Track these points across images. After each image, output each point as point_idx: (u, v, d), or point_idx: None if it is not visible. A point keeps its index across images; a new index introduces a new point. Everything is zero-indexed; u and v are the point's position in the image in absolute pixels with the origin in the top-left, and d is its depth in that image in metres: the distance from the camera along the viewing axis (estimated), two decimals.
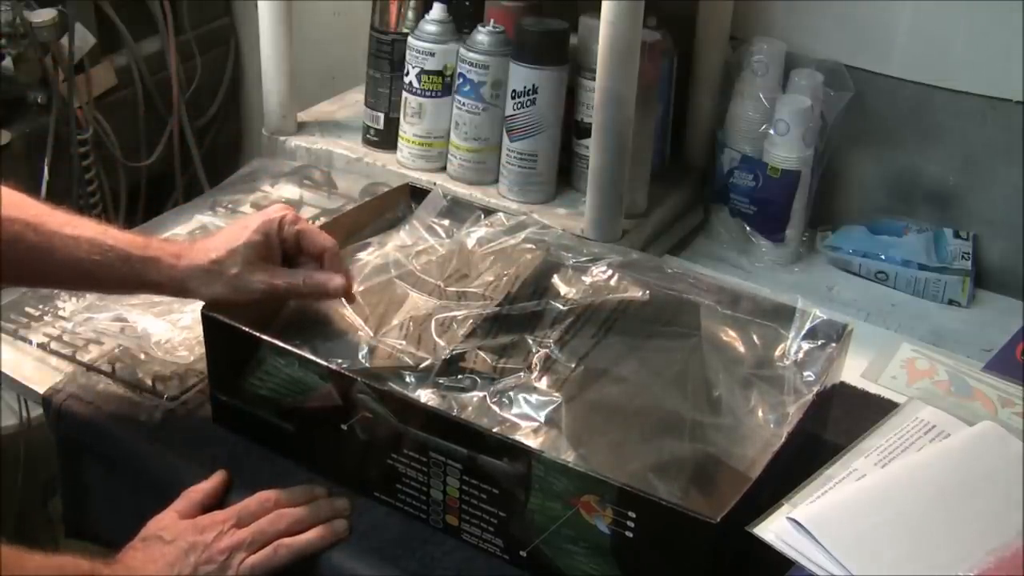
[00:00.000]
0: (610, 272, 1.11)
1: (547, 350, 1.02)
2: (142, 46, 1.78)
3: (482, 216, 1.18)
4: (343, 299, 1.06)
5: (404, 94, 1.43)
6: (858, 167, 1.46)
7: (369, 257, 1.14)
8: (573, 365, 1.01)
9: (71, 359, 1.14)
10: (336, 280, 1.03)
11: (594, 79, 1.25)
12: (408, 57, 1.41)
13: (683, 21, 1.42)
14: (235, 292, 1.01)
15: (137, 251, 1.01)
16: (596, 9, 1.21)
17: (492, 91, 1.37)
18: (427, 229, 1.17)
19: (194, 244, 1.04)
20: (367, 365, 0.99)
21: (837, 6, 1.40)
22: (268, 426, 1.03)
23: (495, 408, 0.95)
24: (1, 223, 0.97)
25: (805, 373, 0.99)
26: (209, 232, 1.34)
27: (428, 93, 1.41)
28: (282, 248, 1.04)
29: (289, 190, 1.46)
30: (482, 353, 1.01)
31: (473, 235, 1.15)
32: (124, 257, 1.00)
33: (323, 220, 1.35)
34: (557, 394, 0.96)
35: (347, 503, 0.98)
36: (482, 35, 1.36)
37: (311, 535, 0.94)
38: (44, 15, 1.54)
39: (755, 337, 1.05)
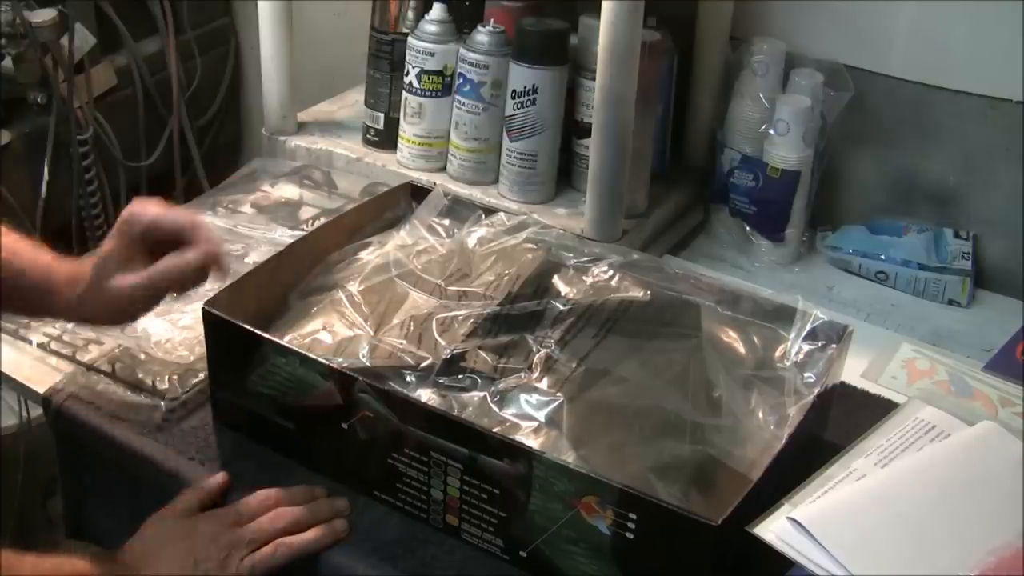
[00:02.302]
0: (611, 272, 1.11)
1: (548, 350, 1.02)
2: (142, 46, 1.78)
3: (483, 216, 1.18)
4: (343, 299, 1.06)
5: (404, 94, 1.43)
6: (858, 167, 1.46)
7: (369, 256, 1.14)
8: (574, 365, 1.01)
9: (71, 359, 1.14)
10: (189, 255, 0.95)
11: (594, 79, 1.25)
12: (408, 57, 1.41)
13: (683, 21, 1.42)
14: (108, 308, 0.97)
15: (42, 281, 0.98)
16: (596, 9, 1.21)
17: (492, 91, 1.37)
18: (428, 229, 1.17)
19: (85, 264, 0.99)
20: (368, 364, 0.99)
21: (837, 6, 1.40)
22: (268, 424, 1.03)
23: (495, 408, 0.95)
24: None
25: (805, 374, 0.99)
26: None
27: (428, 93, 1.41)
28: (153, 243, 0.98)
29: (289, 190, 1.46)
30: (483, 353, 1.01)
31: (474, 235, 1.15)
32: (32, 286, 0.98)
33: (323, 220, 1.35)
34: (558, 394, 0.96)
35: (346, 503, 0.98)
36: (482, 35, 1.36)
37: (311, 535, 0.94)
38: (44, 15, 1.54)
39: (755, 338, 1.05)
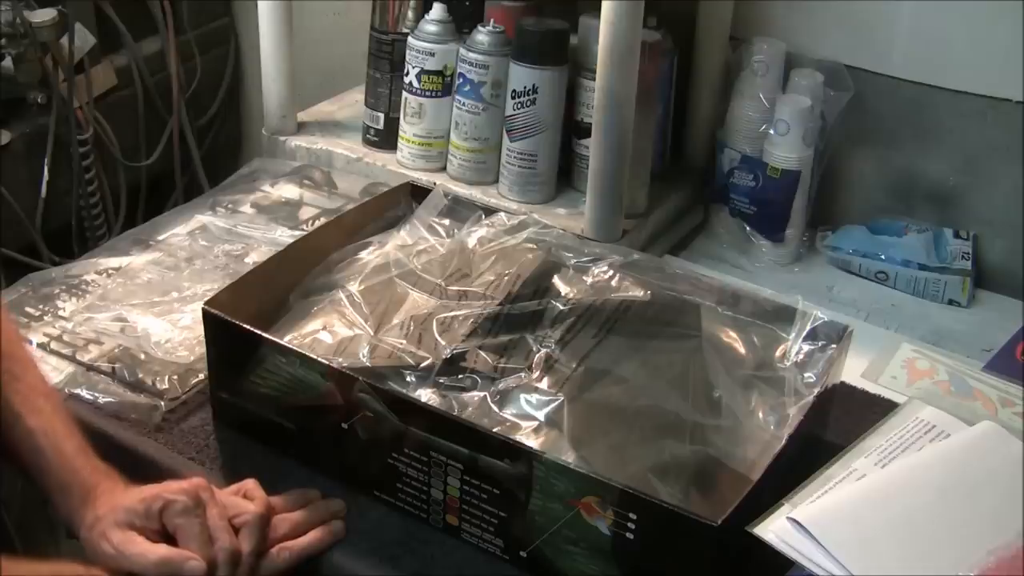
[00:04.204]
0: (611, 272, 1.11)
1: (548, 350, 1.02)
2: (142, 46, 1.78)
3: (483, 216, 1.18)
4: (343, 299, 1.06)
5: (404, 94, 1.43)
6: (858, 167, 1.46)
7: (370, 256, 1.14)
8: (574, 365, 1.01)
9: (71, 359, 1.13)
10: (192, 563, 0.88)
11: (594, 79, 1.25)
12: (408, 57, 1.41)
13: (683, 21, 1.42)
14: (97, 558, 0.90)
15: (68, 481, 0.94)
16: (596, 9, 1.21)
17: (492, 91, 1.37)
18: (428, 228, 1.17)
19: (107, 494, 0.94)
20: (368, 364, 0.99)
21: (837, 6, 1.40)
22: (269, 424, 1.03)
23: (495, 408, 0.95)
24: None
25: (806, 375, 0.99)
26: (208, 231, 1.34)
27: (428, 93, 1.41)
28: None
29: (289, 190, 1.46)
30: (483, 353, 1.01)
31: (474, 235, 1.15)
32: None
33: (323, 220, 1.35)
34: (558, 394, 0.96)
35: (342, 504, 0.98)
36: (482, 35, 1.36)
37: (311, 537, 0.94)
38: (44, 15, 1.54)
39: (755, 338, 1.05)
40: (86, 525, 0.92)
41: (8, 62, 1.53)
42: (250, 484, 0.97)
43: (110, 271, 1.27)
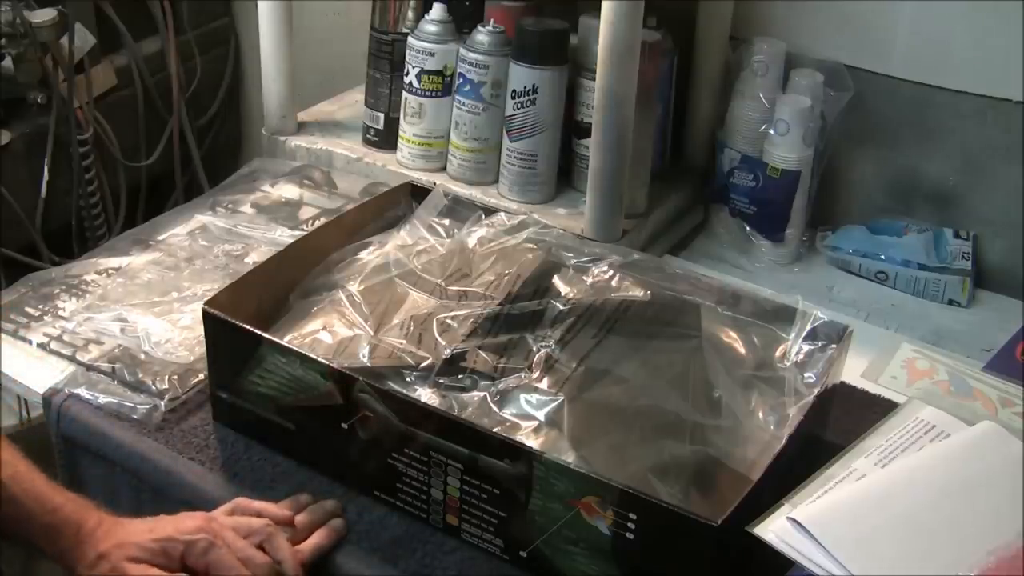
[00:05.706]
0: (611, 272, 1.11)
1: (548, 350, 1.02)
2: (142, 46, 1.79)
3: (483, 216, 1.18)
4: (343, 299, 1.06)
5: (404, 94, 1.43)
6: (858, 167, 1.46)
7: (370, 256, 1.14)
8: (574, 365, 1.01)
9: (71, 359, 1.14)
10: None
11: (594, 79, 1.25)
12: (408, 57, 1.41)
13: (683, 21, 1.42)
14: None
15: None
16: (596, 9, 1.21)
17: (492, 91, 1.37)
18: (428, 228, 1.17)
19: (102, 528, 0.94)
20: (368, 364, 0.99)
21: (837, 6, 1.40)
22: (268, 424, 1.03)
23: (495, 408, 0.95)
24: None
25: (806, 375, 0.99)
26: (208, 231, 1.34)
27: (428, 93, 1.41)
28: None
29: (289, 190, 1.46)
30: (483, 353, 1.01)
31: (474, 235, 1.15)
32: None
33: (323, 220, 1.35)
34: (558, 394, 0.96)
35: (337, 503, 0.98)
36: (482, 35, 1.36)
37: (317, 539, 0.95)
38: (44, 15, 1.54)
39: (755, 338, 1.05)
40: (87, 563, 0.91)
41: (8, 62, 1.53)
42: (241, 502, 0.97)
43: (110, 271, 1.27)
